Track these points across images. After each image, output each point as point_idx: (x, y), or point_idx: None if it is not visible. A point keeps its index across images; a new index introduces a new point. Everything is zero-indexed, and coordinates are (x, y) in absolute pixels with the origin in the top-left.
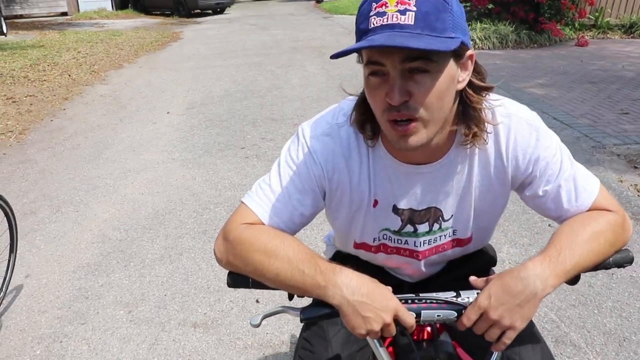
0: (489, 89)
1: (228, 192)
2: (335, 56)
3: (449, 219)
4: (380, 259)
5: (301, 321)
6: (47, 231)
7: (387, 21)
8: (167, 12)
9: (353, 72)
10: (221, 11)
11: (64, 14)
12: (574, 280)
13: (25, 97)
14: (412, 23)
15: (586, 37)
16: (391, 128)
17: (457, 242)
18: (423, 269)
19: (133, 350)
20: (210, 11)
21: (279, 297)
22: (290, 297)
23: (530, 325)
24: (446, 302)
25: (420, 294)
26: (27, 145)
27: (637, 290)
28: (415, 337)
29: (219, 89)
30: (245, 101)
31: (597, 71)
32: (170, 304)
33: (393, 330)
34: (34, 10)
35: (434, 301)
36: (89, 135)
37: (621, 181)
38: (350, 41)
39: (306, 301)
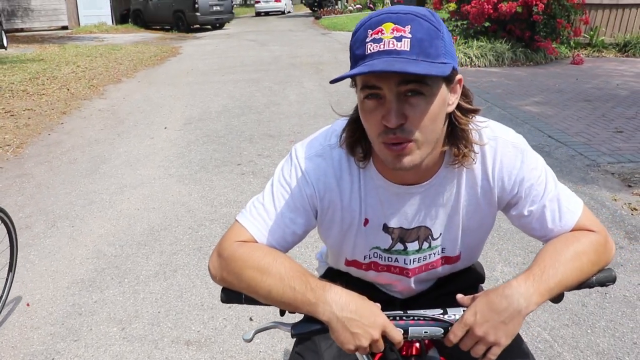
0: (475, 112)
1: (224, 209)
2: (335, 81)
3: (438, 238)
4: (370, 276)
5: (292, 336)
6: (42, 246)
7: (383, 47)
8: (167, 27)
9: (351, 90)
10: (220, 26)
11: (65, 27)
12: (557, 298)
13: (24, 110)
14: (408, 49)
15: (581, 55)
16: (386, 149)
17: (446, 260)
18: (413, 285)
19: None
20: (209, 26)
21: (272, 315)
22: (282, 313)
23: (520, 341)
24: (433, 319)
25: (408, 311)
26: (24, 159)
27: (630, 310)
28: (404, 353)
29: (216, 104)
30: (242, 117)
31: (592, 89)
32: (164, 321)
33: (381, 346)
34: (34, 24)
35: (422, 318)
36: (86, 150)
37: (615, 200)
38: (347, 58)
39: (298, 317)
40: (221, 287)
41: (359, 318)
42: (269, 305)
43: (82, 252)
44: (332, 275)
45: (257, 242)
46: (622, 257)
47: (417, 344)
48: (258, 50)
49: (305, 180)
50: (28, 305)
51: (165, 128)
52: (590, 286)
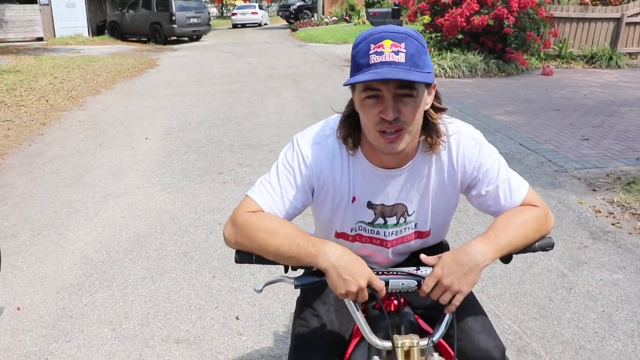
0: (444, 110)
1: (207, 216)
2: (348, 84)
3: (412, 214)
4: (355, 247)
5: (295, 287)
6: (29, 253)
7: (385, 59)
8: (144, 39)
9: (327, 99)
10: (197, 38)
11: (40, 39)
12: (507, 259)
13: (3, 122)
14: (404, 61)
15: (551, 66)
16: (381, 137)
17: (419, 235)
18: (390, 256)
19: None
20: (186, 38)
21: (258, 314)
22: (286, 270)
23: (474, 299)
24: (409, 273)
25: (388, 268)
26: (6, 169)
27: (592, 303)
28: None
29: (196, 115)
30: (222, 128)
31: (561, 99)
32: (154, 321)
33: (366, 295)
34: (9, 34)
35: (399, 272)
36: (68, 160)
37: (581, 203)
38: (324, 69)
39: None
40: (235, 250)
41: (350, 267)
42: (276, 263)
43: (69, 259)
44: None
45: (264, 212)
46: (586, 256)
47: (395, 302)
48: (236, 62)
49: (305, 164)
50: (19, 309)
51: (146, 139)
52: (534, 250)
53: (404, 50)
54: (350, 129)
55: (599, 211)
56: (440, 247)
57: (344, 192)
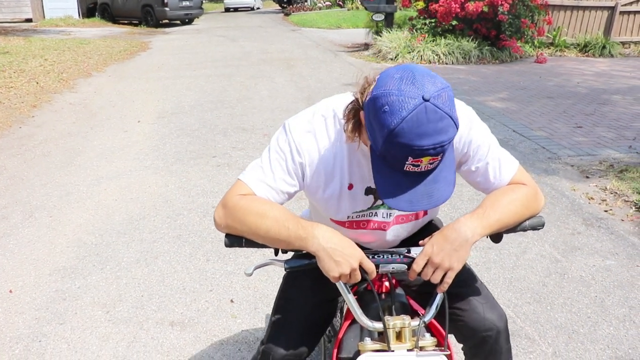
0: None
1: (201, 199)
2: (389, 205)
3: None
4: (351, 234)
5: (285, 270)
6: (21, 235)
7: (419, 170)
8: (135, 22)
9: (321, 84)
10: (190, 22)
11: (29, 20)
12: (497, 238)
13: None
14: (435, 168)
15: (544, 54)
16: None
17: (415, 215)
18: (388, 238)
19: (112, 348)
20: (178, 22)
21: (252, 297)
22: (276, 253)
23: (473, 273)
24: (399, 255)
25: (378, 251)
26: None
27: (585, 289)
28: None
29: (189, 99)
30: (215, 111)
31: (554, 87)
32: (148, 304)
33: (358, 276)
34: None
35: (390, 255)
36: (59, 143)
37: (574, 190)
38: (318, 54)
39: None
40: (224, 234)
41: (341, 249)
42: (266, 247)
43: (62, 241)
44: None
45: (255, 195)
46: (579, 242)
47: (387, 283)
48: (228, 45)
49: (297, 151)
50: (11, 291)
51: (139, 122)
52: (525, 229)
53: (439, 160)
54: (357, 124)
55: (592, 198)
56: (432, 227)
57: (339, 179)
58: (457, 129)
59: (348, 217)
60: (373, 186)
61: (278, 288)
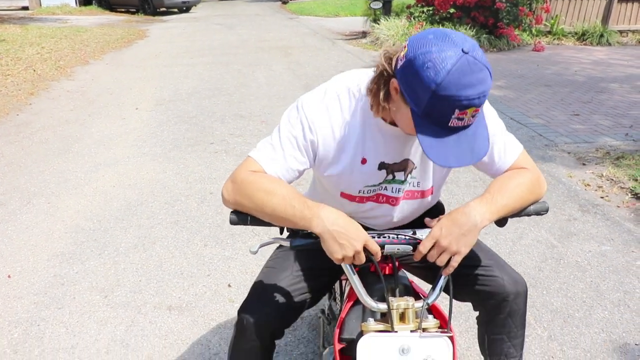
0: None
1: (198, 185)
2: (443, 165)
3: (416, 169)
4: (359, 209)
5: (291, 248)
6: (19, 222)
7: (463, 124)
8: (132, 10)
9: (318, 72)
10: (187, 10)
11: (25, 8)
12: (502, 222)
13: None
14: (475, 120)
15: (542, 42)
16: (409, 132)
17: (422, 194)
18: (394, 215)
19: (110, 332)
20: (176, 10)
21: (249, 281)
22: (281, 231)
23: (481, 242)
24: (405, 236)
25: (384, 232)
26: None
27: (581, 274)
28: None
29: (187, 86)
30: (213, 98)
31: (552, 75)
32: (146, 288)
33: (363, 257)
34: None
35: (395, 236)
36: (57, 130)
37: (570, 176)
38: (315, 42)
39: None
40: (231, 210)
41: (345, 231)
42: (272, 225)
43: (60, 227)
44: None
45: (265, 172)
46: (575, 228)
47: (390, 265)
48: (226, 34)
49: (310, 128)
50: (9, 276)
51: (137, 109)
52: (529, 214)
53: (479, 111)
54: (378, 101)
55: (588, 185)
56: (435, 210)
57: (352, 153)
58: (492, 77)
59: (359, 192)
60: (386, 161)
61: None
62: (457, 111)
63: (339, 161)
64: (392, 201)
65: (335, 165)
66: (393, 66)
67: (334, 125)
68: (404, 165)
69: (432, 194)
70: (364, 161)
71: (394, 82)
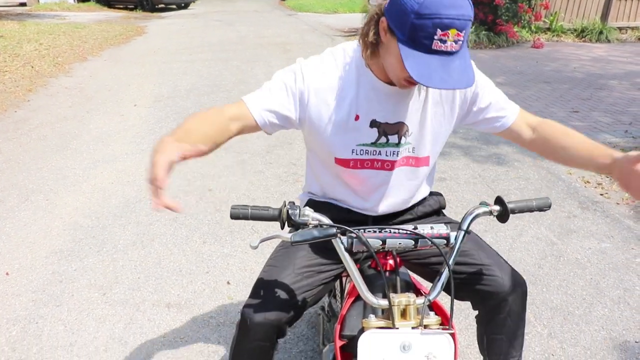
0: None
1: (197, 182)
2: (420, 83)
3: (411, 135)
4: (357, 176)
5: (292, 244)
6: (17, 219)
7: (446, 48)
8: (131, 6)
9: None
10: (185, 6)
11: (23, 4)
12: (504, 218)
13: None
14: (460, 49)
15: (541, 39)
16: (404, 82)
17: (416, 161)
18: (391, 183)
19: (109, 329)
20: (174, 6)
21: (248, 279)
22: (282, 227)
23: (481, 239)
24: (406, 231)
25: (386, 227)
26: None
27: (580, 271)
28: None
29: (185, 83)
30: (212, 95)
31: (551, 72)
32: (144, 286)
33: (159, 173)
34: None
35: (397, 231)
36: (55, 127)
37: (570, 173)
38: (314, 39)
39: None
40: (232, 205)
41: (162, 144)
42: (273, 220)
43: (58, 224)
44: (310, 204)
45: (253, 115)
46: (575, 225)
47: (391, 261)
48: (225, 30)
49: (302, 77)
50: (7, 274)
51: (135, 105)
52: (532, 210)
53: (462, 39)
54: (370, 47)
55: (588, 182)
56: (435, 201)
57: (346, 109)
58: (473, 10)
59: (353, 152)
60: (378, 119)
61: None
62: (439, 31)
63: (333, 114)
64: (387, 165)
65: (328, 118)
66: (384, 5)
67: (328, 79)
68: (397, 128)
69: (427, 165)
70: (356, 118)
71: (383, 21)
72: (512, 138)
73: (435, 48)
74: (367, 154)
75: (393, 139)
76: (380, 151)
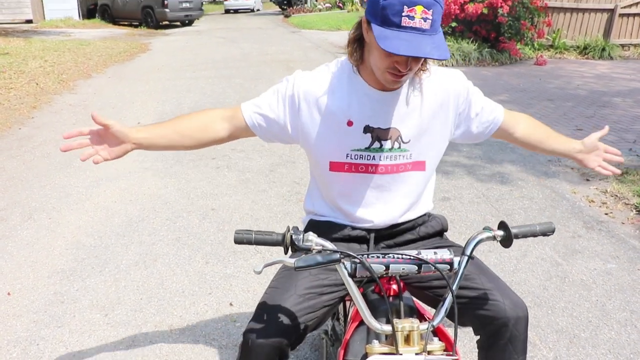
0: None
1: (200, 201)
2: (388, 51)
3: (408, 142)
4: (353, 181)
5: (295, 269)
6: (20, 237)
7: (415, 25)
8: (135, 23)
9: None
10: (190, 23)
11: (29, 21)
12: (508, 243)
13: None
14: (429, 28)
15: (544, 56)
16: (390, 76)
17: (414, 166)
18: (388, 188)
19: (111, 352)
20: (178, 23)
21: (252, 300)
22: (285, 252)
23: (483, 263)
24: (410, 256)
25: (389, 252)
26: None
27: (586, 292)
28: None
29: (189, 100)
30: None
31: (554, 89)
32: (147, 307)
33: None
34: None
35: (400, 256)
36: (59, 144)
37: (574, 192)
38: (318, 56)
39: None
40: (235, 230)
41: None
42: (276, 245)
43: (60, 243)
44: (312, 225)
45: (243, 116)
46: (580, 245)
47: (395, 286)
48: (228, 47)
49: (294, 84)
50: (9, 294)
51: (139, 123)
52: (535, 235)
53: (431, 18)
54: (357, 51)
55: (593, 201)
56: (437, 223)
57: (338, 115)
58: (440, 3)
59: (347, 156)
60: (371, 125)
61: None
62: (405, 7)
63: (325, 119)
64: (382, 169)
65: (321, 124)
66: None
67: (321, 85)
68: (390, 133)
69: (423, 170)
70: (349, 123)
71: (364, 20)
72: (500, 136)
73: (404, 25)
74: (362, 158)
75: (386, 144)
76: (374, 156)
